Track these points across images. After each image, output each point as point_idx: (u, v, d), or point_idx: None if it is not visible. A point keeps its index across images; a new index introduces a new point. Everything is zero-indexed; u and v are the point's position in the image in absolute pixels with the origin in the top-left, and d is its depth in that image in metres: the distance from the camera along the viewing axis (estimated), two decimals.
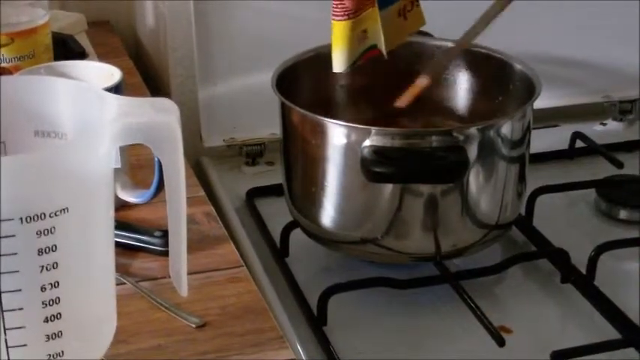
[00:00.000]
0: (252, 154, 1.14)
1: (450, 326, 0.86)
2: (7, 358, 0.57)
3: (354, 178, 0.83)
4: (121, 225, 0.81)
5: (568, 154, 1.16)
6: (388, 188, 0.84)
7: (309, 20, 1.13)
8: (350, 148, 0.83)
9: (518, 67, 0.93)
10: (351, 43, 0.86)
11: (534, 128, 0.90)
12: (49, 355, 0.58)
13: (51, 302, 0.57)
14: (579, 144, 1.15)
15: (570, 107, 1.25)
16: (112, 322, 0.63)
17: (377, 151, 0.81)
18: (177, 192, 0.60)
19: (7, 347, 0.56)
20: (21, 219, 0.54)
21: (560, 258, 0.92)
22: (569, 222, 1.04)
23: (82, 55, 1.08)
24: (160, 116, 0.58)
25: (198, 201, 0.91)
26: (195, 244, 0.83)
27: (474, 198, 0.86)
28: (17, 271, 0.55)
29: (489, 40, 0.97)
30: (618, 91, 1.27)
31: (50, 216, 0.54)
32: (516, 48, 0.95)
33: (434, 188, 0.84)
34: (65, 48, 1.06)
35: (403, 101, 0.92)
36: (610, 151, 1.10)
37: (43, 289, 0.56)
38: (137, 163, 0.88)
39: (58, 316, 0.57)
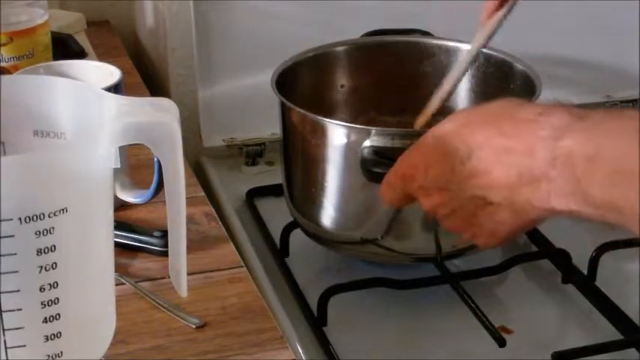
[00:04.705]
0: (252, 154, 1.14)
1: (451, 327, 0.86)
2: (6, 358, 0.57)
3: (354, 178, 0.83)
4: (120, 225, 0.81)
5: None
6: None
7: (309, 20, 1.13)
8: (350, 149, 0.83)
9: (519, 66, 0.92)
10: None
11: None
12: (48, 355, 0.58)
13: (50, 303, 0.56)
14: None
15: None
16: (112, 322, 0.63)
17: (377, 151, 0.81)
18: (177, 192, 0.60)
19: (6, 348, 0.56)
20: (20, 219, 0.54)
21: (561, 258, 0.92)
22: (571, 222, 1.03)
23: (81, 54, 1.08)
24: (159, 116, 0.58)
25: (198, 201, 0.91)
26: (195, 244, 0.83)
27: None
28: (16, 272, 0.55)
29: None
30: (619, 91, 1.27)
31: (49, 216, 0.54)
32: (517, 48, 0.95)
33: None
34: (64, 47, 1.06)
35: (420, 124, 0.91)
36: None
37: (42, 289, 0.56)
38: (137, 163, 0.88)
39: (57, 316, 0.57)
